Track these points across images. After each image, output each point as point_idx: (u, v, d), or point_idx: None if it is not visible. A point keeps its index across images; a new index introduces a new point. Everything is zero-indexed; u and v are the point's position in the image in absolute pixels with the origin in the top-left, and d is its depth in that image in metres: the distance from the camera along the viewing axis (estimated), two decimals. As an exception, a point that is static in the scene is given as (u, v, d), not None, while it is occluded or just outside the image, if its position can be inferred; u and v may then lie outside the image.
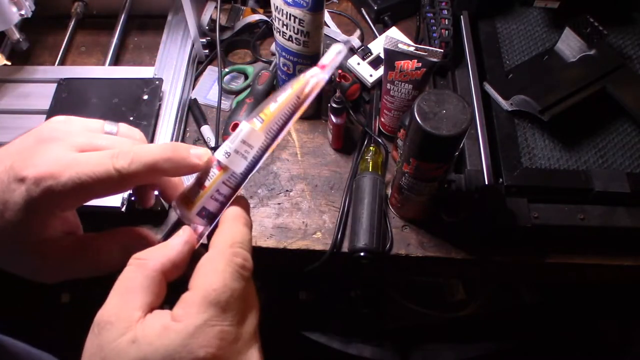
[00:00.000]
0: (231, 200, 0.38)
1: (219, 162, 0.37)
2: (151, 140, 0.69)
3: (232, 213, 0.37)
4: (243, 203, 0.38)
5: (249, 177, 0.39)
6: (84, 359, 0.31)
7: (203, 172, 0.37)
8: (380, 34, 0.82)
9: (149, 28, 0.88)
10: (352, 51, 0.79)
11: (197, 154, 0.38)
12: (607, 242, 0.65)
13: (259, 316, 0.34)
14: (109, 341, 0.30)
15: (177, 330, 0.30)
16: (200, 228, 0.38)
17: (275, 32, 0.68)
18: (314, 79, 0.39)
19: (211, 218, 0.38)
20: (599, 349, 1.11)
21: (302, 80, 0.39)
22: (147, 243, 0.39)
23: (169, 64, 0.78)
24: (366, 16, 0.86)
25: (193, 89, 0.80)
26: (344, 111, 0.67)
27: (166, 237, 0.38)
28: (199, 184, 0.37)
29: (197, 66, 0.83)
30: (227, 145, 0.38)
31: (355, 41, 0.80)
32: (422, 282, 1.11)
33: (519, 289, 1.11)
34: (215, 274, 0.32)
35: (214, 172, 0.37)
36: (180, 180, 0.42)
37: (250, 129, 0.37)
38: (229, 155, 0.37)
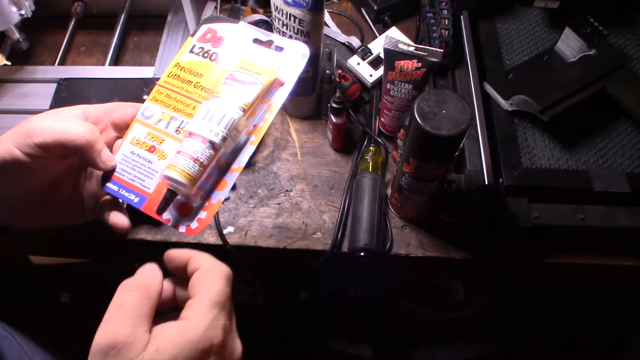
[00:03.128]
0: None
1: (212, 143, 0.44)
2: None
3: (188, 250, 0.44)
4: None
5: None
6: None
7: (197, 150, 0.44)
8: (380, 34, 0.82)
9: (149, 28, 0.88)
10: (352, 51, 0.80)
11: (105, 159, 0.47)
12: (607, 242, 0.65)
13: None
14: (132, 358, 0.35)
15: (194, 326, 0.37)
16: (197, 202, 0.46)
17: (275, 32, 0.68)
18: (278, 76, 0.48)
19: (202, 189, 0.46)
20: (599, 348, 1.11)
21: (271, 79, 0.48)
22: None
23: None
24: (366, 16, 0.86)
25: (193, 89, 0.80)
26: (344, 111, 0.67)
27: (161, 210, 0.46)
28: (198, 163, 0.44)
29: (197, 66, 0.83)
30: (213, 127, 0.45)
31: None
32: (422, 282, 1.11)
33: (519, 289, 1.11)
34: (214, 282, 0.40)
35: (210, 153, 0.45)
36: None
37: (240, 117, 0.45)
38: (224, 140, 0.45)
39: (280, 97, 0.48)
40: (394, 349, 1.09)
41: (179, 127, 0.48)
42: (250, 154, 0.47)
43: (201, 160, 0.44)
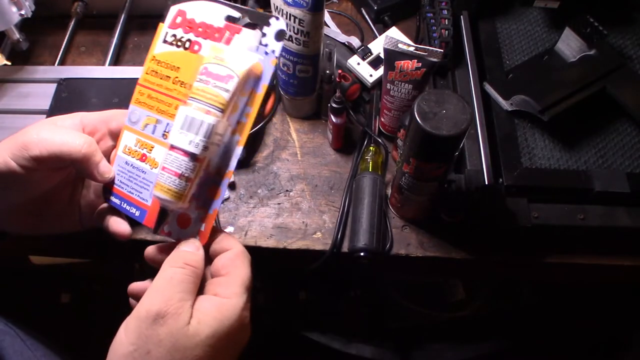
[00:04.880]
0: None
1: (194, 155, 0.42)
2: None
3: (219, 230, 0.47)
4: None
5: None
6: (148, 345, 0.37)
7: (181, 165, 0.42)
8: (380, 34, 0.82)
9: (149, 28, 0.88)
10: (352, 51, 0.79)
11: (103, 171, 0.46)
12: (607, 242, 0.65)
13: None
14: (179, 327, 0.38)
15: (233, 304, 0.41)
16: (194, 213, 0.45)
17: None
18: (252, 64, 0.44)
19: (197, 199, 0.45)
20: (599, 348, 1.11)
21: (245, 69, 0.43)
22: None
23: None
24: (366, 16, 0.86)
25: (193, 89, 0.80)
26: (344, 111, 0.67)
27: (156, 229, 0.46)
28: (184, 178, 0.42)
29: (197, 66, 0.83)
30: (191, 137, 0.42)
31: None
32: (422, 282, 1.11)
33: (519, 289, 1.11)
34: (245, 266, 0.43)
35: (193, 164, 0.42)
36: None
37: (217, 120, 0.42)
38: (206, 149, 0.42)
39: (261, 85, 0.44)
40: (394, 349, 1.09)
41: (165, 131, 0.46)
42: (238, 155, 0.44)
43: (186, 175, 0.42)
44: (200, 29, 0.46)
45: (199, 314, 0.39)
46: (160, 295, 0.39)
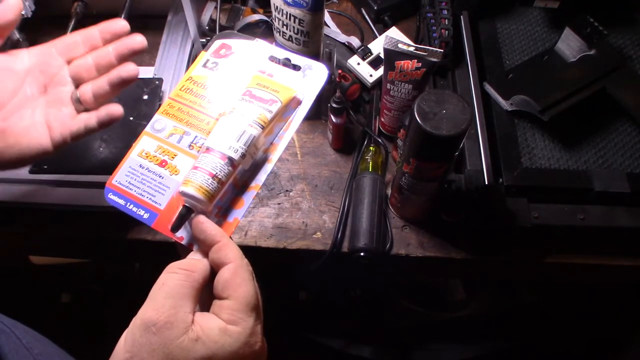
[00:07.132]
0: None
1: (231, 159, 0.43)
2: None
3: (222, 231, 0.43)
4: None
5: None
6: (142, 354, 0.36)
7: (216, 167, 0.42)
8: (380, 34, 0.82)
9: (149, 28, 0.87)
10: (352, 51, 0.80)
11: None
12: (607, 242, 0.65)
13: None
14: (172, 339, 0.36)
15: (237, 331, 0.38)
16: (213, 219, 0.44)
17: (275, 32, 0.68)
18: (298, 95, 0.47)
19: (219, 207, 0.45)
20: (599, 348, 1.11)
21: (289, 97, 0.46)
22: None
23: (169, 64, 0.78)
24: (366, 16, 0.86)
25: (193, 89, 0.80)
26: (344, 111, 0.67)
27: (175, 228, 0.44)
28: (217, 179, 0.42)
29: (197, 66, 0.83)
30: (232, 143, 0.43)
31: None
32: (422, 282, 1.11)
33: (519, 289, 1.11)
34: (246, 283, 0.40)
35: (229, 169, 0.43)
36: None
37: (259, 134, 0.44)
38: (244, 157, 0.43)
39: (298, 116, 0.47)
40: (394, 349, 1.09)
41: (192, 143, 0.47)
42: (268, 172, 0.46)
43: (219, 177, 0.43)
44: (242, 62, 0.50)
45: (200, 331, 0.38)
46: (153, 303, 0.38)
